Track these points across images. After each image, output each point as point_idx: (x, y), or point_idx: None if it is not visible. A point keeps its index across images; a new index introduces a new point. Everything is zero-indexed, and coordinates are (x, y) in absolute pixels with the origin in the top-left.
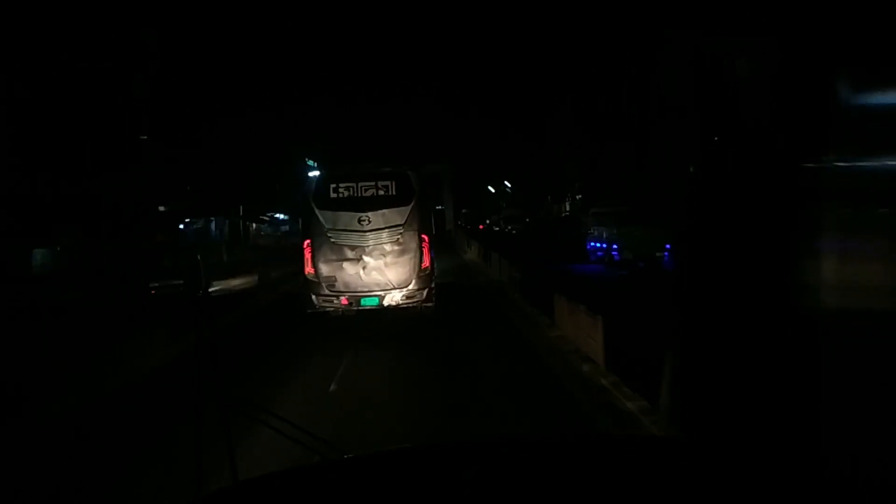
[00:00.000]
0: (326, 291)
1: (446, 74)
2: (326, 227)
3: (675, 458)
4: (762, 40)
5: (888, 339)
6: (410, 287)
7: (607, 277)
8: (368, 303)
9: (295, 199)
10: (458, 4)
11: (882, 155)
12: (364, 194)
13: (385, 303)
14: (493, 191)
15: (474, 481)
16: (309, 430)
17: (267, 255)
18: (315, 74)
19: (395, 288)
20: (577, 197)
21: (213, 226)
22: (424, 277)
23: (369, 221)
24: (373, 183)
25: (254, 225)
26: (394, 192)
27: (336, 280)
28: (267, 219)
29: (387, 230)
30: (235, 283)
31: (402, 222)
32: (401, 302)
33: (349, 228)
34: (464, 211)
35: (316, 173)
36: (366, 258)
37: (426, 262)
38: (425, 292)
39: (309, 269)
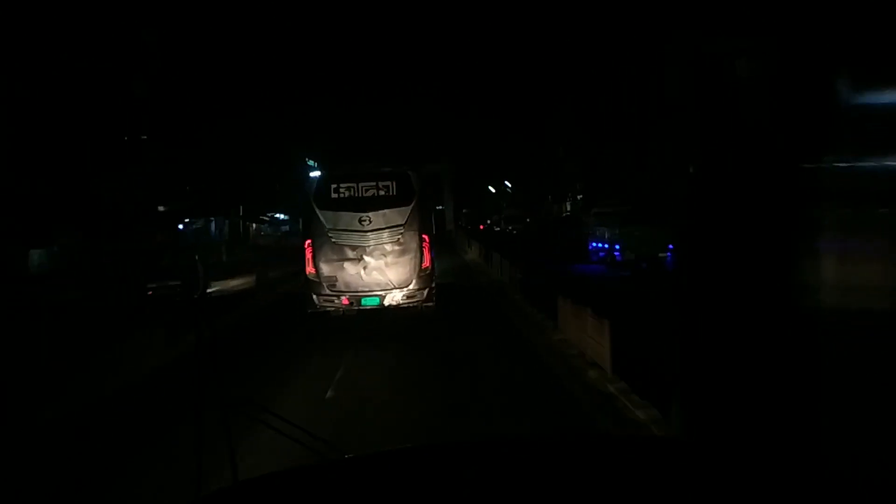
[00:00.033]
0: (327, 291)
1: (446, 74)
2: (327, 227)
3: (675, 459)
4: (762, 40)
5: (888, 338)
6: (411, 287)
7: (610, 278)
8: (369, 302)
9: (295, 198)
10: (457, 4)
11: (882, 155)
12: (365, 194)
13: (386, 302)
14: (493, 191)
15: (474, 481)
16: (309, 430)
17: (267, 255)
18: (315, 74)
19: (395, 288)
20: (578, 197)
21: (212, 226)
22: (425, 277)
23: (370, 221)
24: (373, 183)
25: (254, 225)
26: (394, 193)
27: (337, 280)
28: (267, 219)
29: (387, 230)
30: (234, 283)
31: (403, 222)
32: (401, 302)
33: (350, 228)
34: (464, 211)
35: (317, 173)
36: (367, 258)
37: (427, 262)
38: (426, 292)
39: (310, 269)
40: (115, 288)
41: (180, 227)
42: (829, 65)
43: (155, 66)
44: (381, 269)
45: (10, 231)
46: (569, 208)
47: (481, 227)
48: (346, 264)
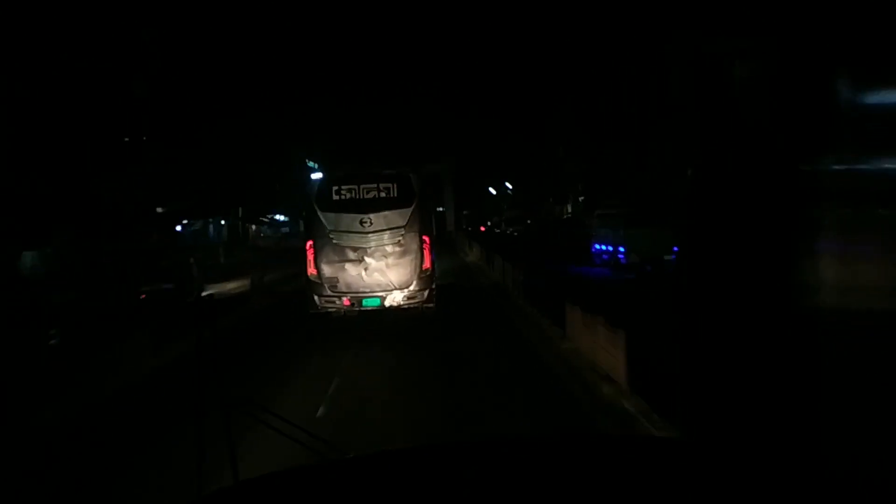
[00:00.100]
0: (329, 292)
1: (446, 74)
2: (329, 228)
3: (675, 459)
4: (762, 40)
5: (888, 339)
6: (412, 288)
7: (615, 282)
8: (370, 303)
9: (295, 199)
10: (458, 4)
11: (883, 156)
12: (366, 196)
13: (386, 303)
14: (493, 192)
15: (474, 481)
16: (309, 430)
17: (266, 257)
18: (315, 74)
19: (396, 289)
20: (580, 198)
21: (211, 227)
22: (425, 278)
23: (371, 223)
24: (374, 185)
25: (253, 226)
26: (395, 194)
27: (338, 281)
28: (267, 220)
29: (388, 231)
30: (231, 286)
31: (404, 224)
32: (402, 303)
33: (351, 230)
34: (465, 212)
35: (318, 175)
36: (367, 259)
37: (427, 264)
38: (426, 293)
39: (311, 270)
40: (107, 291)
41: (178, 228)
42: (830, 65)
43: (155, 66)
44: (381, 271)
45: (8, 232)
46: (570, 209)
47: (482, 228)
48: (348, 265)
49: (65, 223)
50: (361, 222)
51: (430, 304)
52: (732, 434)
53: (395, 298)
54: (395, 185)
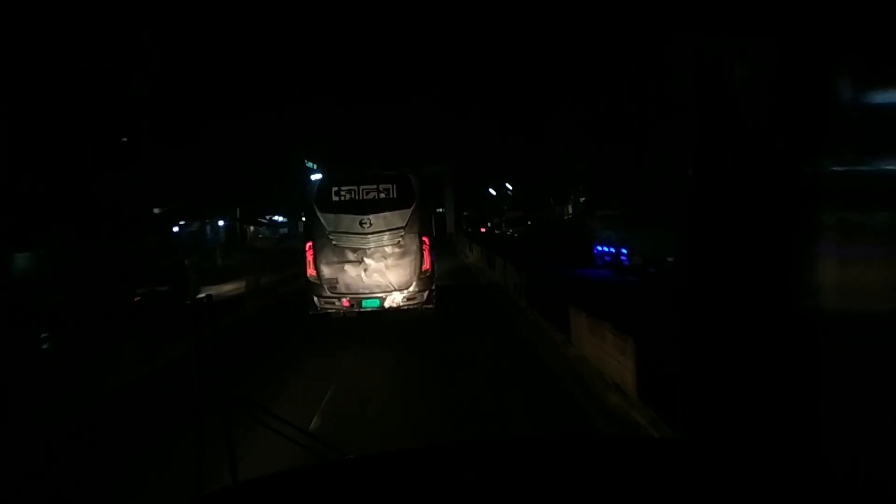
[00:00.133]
0: (328, 293)
1: (446, 75)
2: (328, 229)
3: (675, 459)
4: (762, 41)
5: (888, 339)
6: (411, 289)
7: (618, 284)
8: (370, 304)
9: (294, 200)
10: (458, 4)
11: (883, 157)
12: (365, 197)
13: (386, 304)
14: (494, 193)
15: (474, 481)
16: (308, 431)
17: (264, 258)
18: (315, 75)
19: (396, 290)
20: (581, 199)
21: (208, 228)
22: (425, 279)
23: (371, 224)
24: (374, 186)
25: (251, 227)
26: (395, 195)
27: (338, 282)
28: (265, 221)
29: (388, 233)
30: (228, 288)
31: (403, 225)
32: (402, 304)
33: (351, 231)
34: (465, 214)
35: (317, 176)
36: (367, 260)
37: (427, 265)
38: (426, 294)
39: (311, 272)
40: (101, 293)
41: (175, 229)
42: (830, 65)
43: (155, 66)
44: (381, 272)
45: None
46: (570, 210)
47: (482, 230)
48: (347, 266)
49: (58, 224)
50: (361, 223)
51: (430, 306)
52: (732, 435)
53: (395, 299)
54: (394, 186)
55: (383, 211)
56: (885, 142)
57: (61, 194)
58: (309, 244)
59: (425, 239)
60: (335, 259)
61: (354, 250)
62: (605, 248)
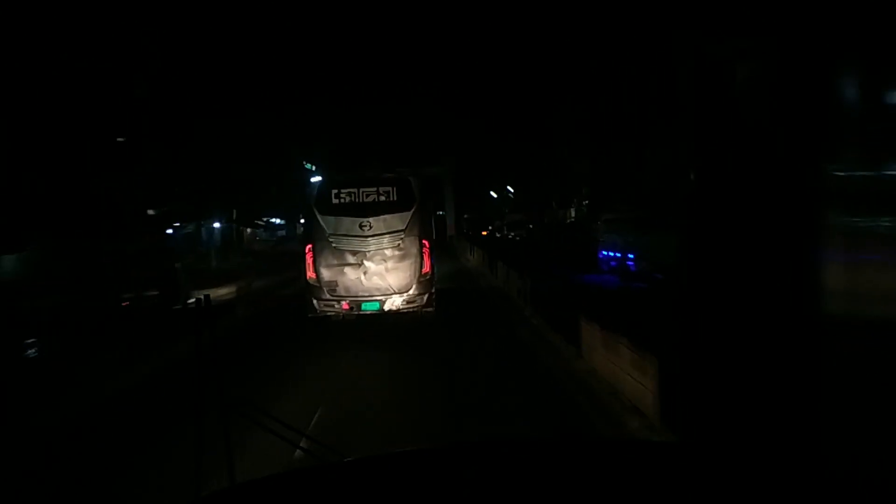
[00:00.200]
0: (328, 296)
1: (447, 76)
2: (328, 232)
3: (673, 462)
4: (762, 41)
5: (887, 340)
6: (411, 292)
7: (625, 291)
8: (369, 307)
9: (293, 201)
10: (458, 5)
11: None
12: (365, 200)
13: (386, 307)
14: (495, 196)
15: (474, 482)
16: (307, 433)
17: (260, 261)
18: (314, 75)
19: (395, 293)
20: (584, 202)
21: (203, 230)
22: (425, 282)
23: (371, 227)
24: (374, 189)
25: (248, 229)
26: (395, 198)
27: (337, 285)
28: (262, 223)
29: (388, 235)
30: (222, 292)
31: (403, 228)
32: (401, 307)
33: (351, 233)
34: (466, 216)
35: (317, 178)
36: (367, 263)
37: (427, 268)
38: (426, 297)
39: (311, 274)
40: (88, 298)
41: (169, 231)
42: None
43: (155, 66)
44: (381, 274)
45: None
46: (573, 213)
47: (483, 233)
48: (347, 269)
49: (50, 225)
50: (361, 226)
51: (430, 309)
52: (732, 436)
53: (395, 302)
54: (394, 189)
55: (383, 213)
56: (886, 143)
57: (57, 195)
58: (308, 246)
59: (425, 242)
60: (335, 262)
61: (354, 253)
62: (611, 253)
